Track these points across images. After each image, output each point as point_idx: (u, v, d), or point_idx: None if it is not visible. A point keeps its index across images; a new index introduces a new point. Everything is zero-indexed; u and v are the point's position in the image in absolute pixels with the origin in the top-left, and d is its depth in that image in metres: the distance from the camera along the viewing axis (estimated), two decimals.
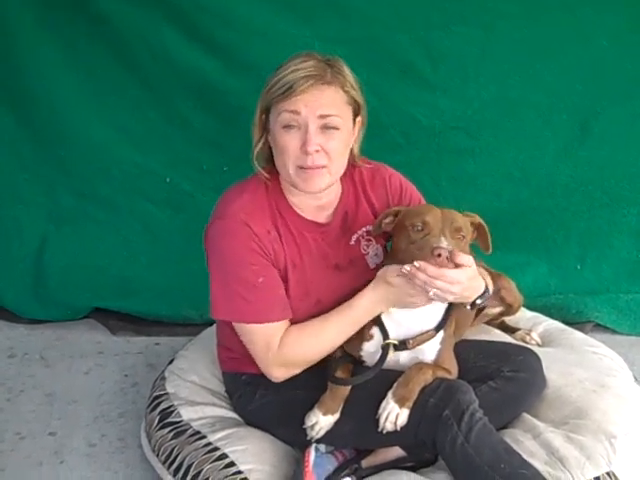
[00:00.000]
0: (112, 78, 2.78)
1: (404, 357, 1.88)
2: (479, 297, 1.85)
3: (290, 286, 1.89)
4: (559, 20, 2.66)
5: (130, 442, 2.33)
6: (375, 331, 1.89)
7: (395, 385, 1.81)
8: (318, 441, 1.90)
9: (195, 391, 2.23)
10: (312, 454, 1.89)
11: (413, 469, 1.92)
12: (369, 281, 1.89)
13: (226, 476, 1.88)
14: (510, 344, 2.25)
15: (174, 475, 1.99)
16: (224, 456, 1.94)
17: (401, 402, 1.78)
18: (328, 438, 1.89)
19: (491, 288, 1.93)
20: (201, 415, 2.12)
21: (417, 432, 1.78)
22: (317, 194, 1.89)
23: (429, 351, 1.89)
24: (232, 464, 1.91)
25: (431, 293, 1.74)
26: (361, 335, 1.91)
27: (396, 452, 1.94)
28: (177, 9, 2.64)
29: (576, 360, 2.26)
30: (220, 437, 2.00)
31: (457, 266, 1.71)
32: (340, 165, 1.87)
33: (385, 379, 1.83)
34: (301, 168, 1.81)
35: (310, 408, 1.87)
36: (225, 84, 2.67)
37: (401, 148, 2.78)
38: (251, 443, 1.98)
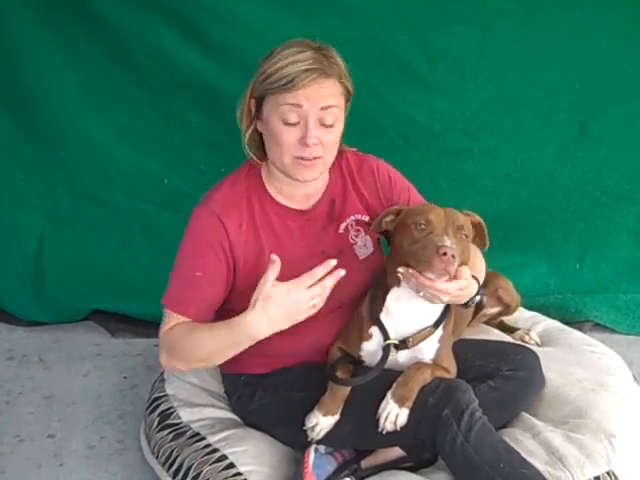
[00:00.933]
0: (110, 78, 2.77)
1: (403, 357, 1.88)
2: (471, 299, 1.87)
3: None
4: (558, 20, 2.65)
5: (129, 444, 2.33)
6: (374, 330, 1.89)
7: (394, 385, 1.81)
8: (318, 442, 1.90)
9: (194, 392, 2.22)
10: (312, 455, 1.89)
11: (413, 469, 1.92)
12: (360, 276, 1.91)
13: (226, 477, 1.88)
14: (508, 343, 2.25)
15: (174, 477, 1.98)
16: (224, 457, 1.94)
17: (401, 402, 1.78)
18: (328, 439, 1.89)
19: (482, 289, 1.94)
20: (200, 416, 2.12)
21: (417, 432, 1.78)
22: (309, 182, 1.91)
23: (428, 350, 1.88)
24: (232, 465, 1.91)
25: (420, 293, 1.78)
26: (360, 335, 1.91)
27: (396, 452, 1.93)
28: (176, 10, 2.64)
29: (575, 359, 2.26)
30: (220, 438, 2.00)
31: (454, 277, 1.72)
32: (333, 155, 1.90)
33: (384, 379, 1.83)
34: (298, 159, 1.82)
35: (309, 409, 1.86)
36: (224, 84, 2.67)
37: (399, 149, 2.77)
38: (251, 444, 1.98)
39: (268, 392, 1.97)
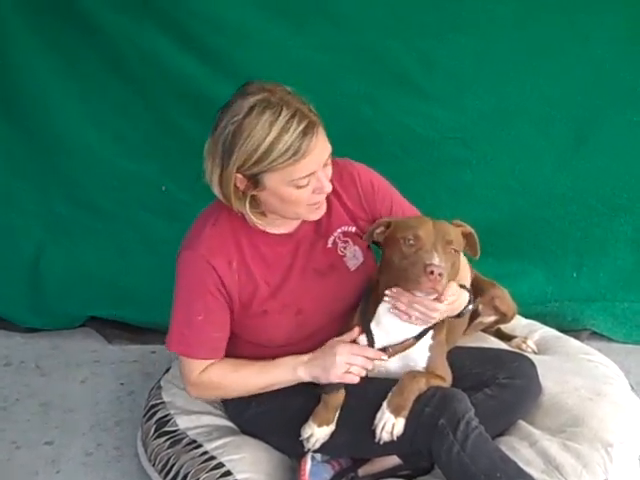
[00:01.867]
0: (106, 86, 2.78)
1: (394, 365, 1.88)
2: (464, 308, 1.89)
3: (263, 303, 1.89)
4: (555, 30, 2.65)
5: (126, 451, 2.33)
6: (362, 339, 1.88)
7: (390, 395, 1.80)
8: (314, 451, 1.89)
9: (191, 400, 2.21)
10: (308, 463, 1.89)
11: (410, 477, 1.92)
12: (352, 287, 1.92)
13: None
14: (504, 351, 2.26)
15: None
16: (220, 465, 1.94)
17: (397, 412, 1.77)
18: (324, 448, 1.88)
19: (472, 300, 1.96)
20: (197, 424, 2.12)
21: (413, 441, 1.78)
22: None
23: (419, 358, 1.88)
24: (228, 473, 1.91)
25: (413, 318, 1.79)
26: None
27: (392, 461, 1.94)
28: (169, 17, 2.64)
29: (572, 368, 2.26)
30: (216, 446, 2.00)
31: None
32: None
33: (379, 388, 1.83)
34: (312, 205, 1.83)
35: (306, 417, 1.86)
36: (218, 91, 2.66)
37: (397, 159, 2.76)
38: (247, 452, 1.98)
39: (264, 400, 1.97)
